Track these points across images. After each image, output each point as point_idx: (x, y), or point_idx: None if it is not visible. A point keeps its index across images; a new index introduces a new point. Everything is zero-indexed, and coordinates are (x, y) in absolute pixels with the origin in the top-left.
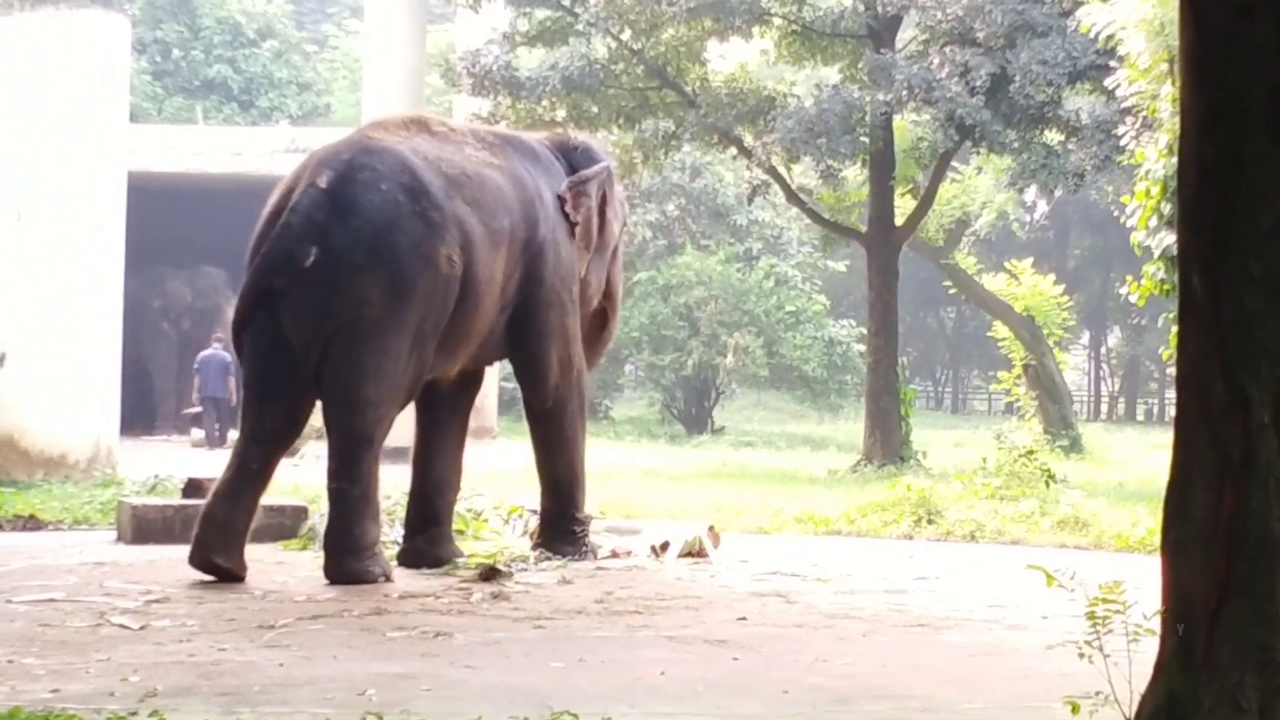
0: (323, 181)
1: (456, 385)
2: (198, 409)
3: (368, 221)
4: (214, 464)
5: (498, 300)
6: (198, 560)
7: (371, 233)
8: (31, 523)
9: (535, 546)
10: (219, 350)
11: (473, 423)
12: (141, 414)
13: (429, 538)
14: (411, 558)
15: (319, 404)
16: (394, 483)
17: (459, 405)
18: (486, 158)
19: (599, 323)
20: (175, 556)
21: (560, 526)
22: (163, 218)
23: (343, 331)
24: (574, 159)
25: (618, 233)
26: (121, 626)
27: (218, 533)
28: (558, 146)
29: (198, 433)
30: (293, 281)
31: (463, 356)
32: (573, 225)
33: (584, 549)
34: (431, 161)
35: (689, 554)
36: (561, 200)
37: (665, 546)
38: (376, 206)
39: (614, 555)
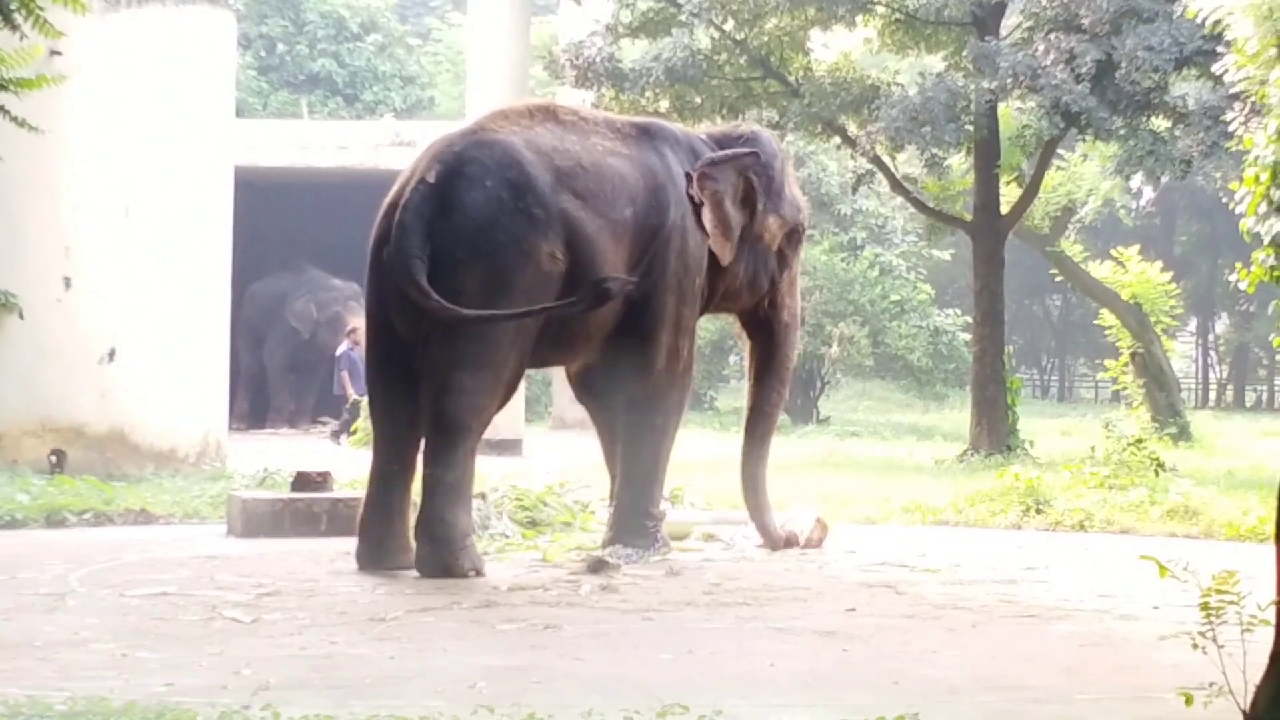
0: (431, 176)
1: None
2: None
3: (469, 219)
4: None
5: None
6: (367, 569)
7: (473, 229)
8: (143, 516)
9: (605, 541)
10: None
11: (582, 414)
12: (257, 408)
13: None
14: None
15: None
16: (501, 474)
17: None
18: (612, 146)
19: (765, 338)
20: (285, 549)
21: (633, 521)
22: (269, 212)
23: (442, 321)
24: (732, 148)
25: (774, 229)
26: (233, 620)
27: (376, 546)
28: (718, 138)
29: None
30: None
31: (584, 349)
32: (697, 206)
33: (656, 545)
34: (544, 154)
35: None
36: (689, 178)
37: (793, 538)
38: (479, 203)
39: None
